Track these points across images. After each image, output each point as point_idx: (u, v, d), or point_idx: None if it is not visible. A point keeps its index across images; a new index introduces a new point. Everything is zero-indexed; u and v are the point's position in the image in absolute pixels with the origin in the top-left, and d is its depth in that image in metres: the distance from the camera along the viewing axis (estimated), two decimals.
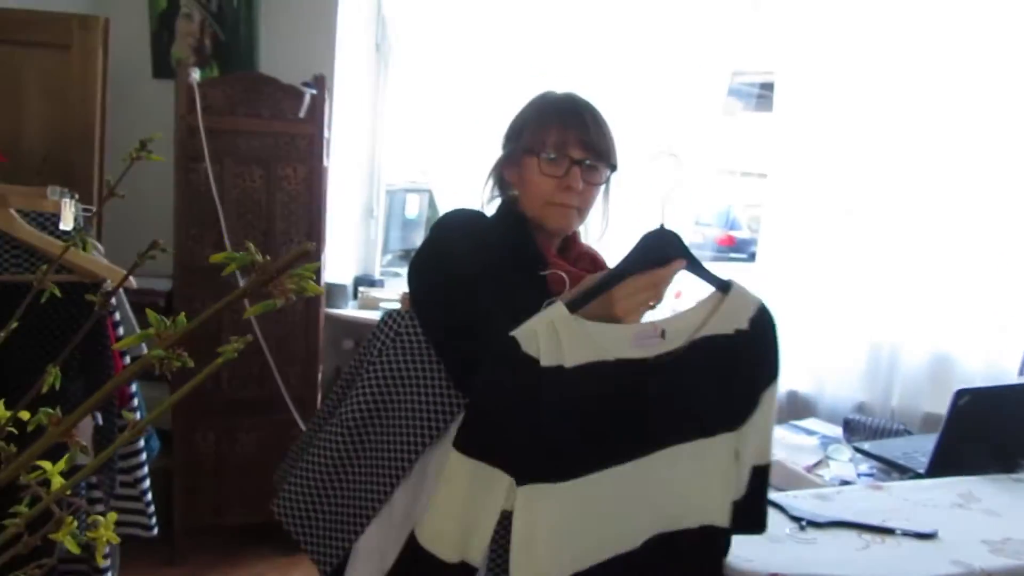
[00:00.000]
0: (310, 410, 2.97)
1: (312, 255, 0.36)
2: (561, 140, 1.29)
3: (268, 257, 0.35)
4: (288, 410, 2.89)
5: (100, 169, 2.45)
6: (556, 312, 0.99)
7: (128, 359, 1.66)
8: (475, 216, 1.38)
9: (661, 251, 1.09)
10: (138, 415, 1.75)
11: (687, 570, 1.16)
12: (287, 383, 2.90)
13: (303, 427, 2.93)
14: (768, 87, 3.13)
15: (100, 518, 0.67)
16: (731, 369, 1.10)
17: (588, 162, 1.29)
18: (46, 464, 0.66)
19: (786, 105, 2.83)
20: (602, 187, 1.36)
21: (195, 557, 2.91)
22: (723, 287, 1.12)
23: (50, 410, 0.46)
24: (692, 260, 1.13)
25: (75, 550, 0.64)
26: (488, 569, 1.17)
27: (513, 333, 0.97)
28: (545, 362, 0.97)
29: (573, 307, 1.00)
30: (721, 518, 1.14)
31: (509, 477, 0.98)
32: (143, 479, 1.73)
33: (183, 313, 0.39)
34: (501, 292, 1.16)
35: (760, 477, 1.18)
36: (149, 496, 1.76)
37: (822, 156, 2.76)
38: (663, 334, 1.05)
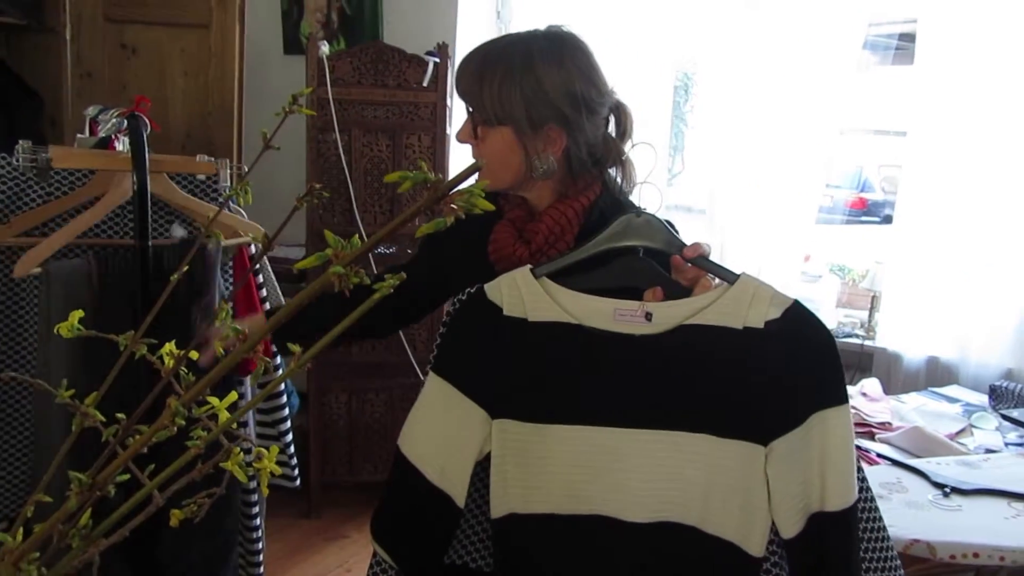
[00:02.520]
0: None
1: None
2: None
3: (439, 175, 0.37)
4: (415, 374, 2.99)
5: (239, 143, 2.59)
6: (520, 272, 1.05)
7: (268, 305, 1.76)
8: None
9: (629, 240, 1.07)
10: (283, 385, 1.85)
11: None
12: (413, 347, 2.99)
13: None
14: (907, 37, 2.96)
15: (264, 451, 0.72)
16: (742, 368, 0.99)
17: (471, 113, 1.23)
18: (214, 400, 0.71)
19: (929, 56, 2.67)
20: (496, 138, 1.21)
21: (330, 511, 3.06)
22: (730, 279, 1.03)
23: (237, 327, 0.49)
24: (681, 247, 1.07)
25: (243, 479, 0.70)
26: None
27: (483, 285, 1.05)
28: (508, 312, 1.03)
29: (539, 272, 1.05)
30: (745, 540, 0.99)
31: (482, 411, 1.03)
32: (287, 432, 1.84)
33: (356, 235, 0.41)
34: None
35: (826, 528, 0.98)
36: (292, 449, 1.86)
37: (966, 110, 2.59)
38: (648, 316, 1.02)
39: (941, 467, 1.64)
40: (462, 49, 3.23)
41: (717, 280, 1.05)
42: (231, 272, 1.71)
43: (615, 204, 1.23)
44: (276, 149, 0.67)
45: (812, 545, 0.99)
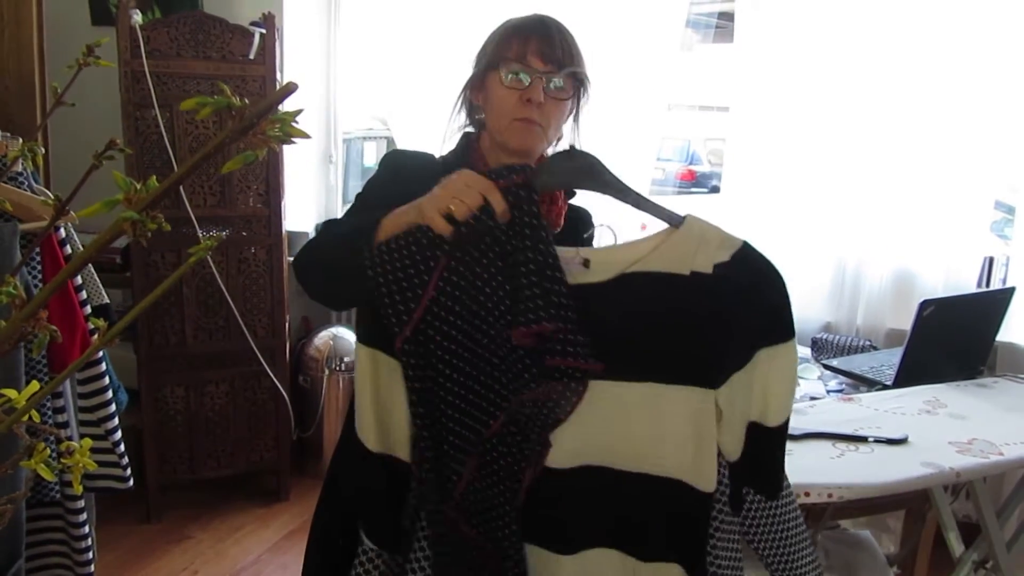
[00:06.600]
0: (279, 360, 2.94)
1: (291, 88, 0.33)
2: (522, 52, 1.26)
3: (245, 100, 0.32)
4: (257, 361, 2.86)
5: (44, 122, 2.35)
6: None
7: (88, 308, 1.62)
8: (412, 155, 1.37)
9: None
10: (107, 379, 1.71)
11: (642, 517, 1.02)
12: (254, 334, 2.86)
13: (273, 377, 2.90)
14: (726, 16, 3.10)
15: (74, 444, 0.64)
16: (691, 315, 0.95)
17: (549, 75, 1.25)
18: (10, 392, 0.63)
19: (747, 34, 2.80)
20: (569, 104, 1.31)
21: (172, 513, 2.89)
22: (675, 221, 0.98)
23: (12, 290, 0.43)
24: (624, 190, 1.02)
25: (49, 477, 0.62)
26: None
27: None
28: None
29: None
30: (695, 478, 0.99)
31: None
32: (114, 431, 1.70)
33: (154, 176, 0.36)
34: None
35: (761, 437, 1.00)
36: (122, 447, 1.73)
37: (783, 86, 2.75)
38: (586, 263, 0.97)
39: None
40: (290, 20, 3.09)
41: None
42: (39, 261, 1.55)
43: None
44: (71, 105, 0.60)
45: (748, 456, 1.01)
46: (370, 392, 1.02)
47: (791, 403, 1.02)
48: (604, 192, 1.01)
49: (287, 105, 0.44)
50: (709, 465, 0.99)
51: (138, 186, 0.34)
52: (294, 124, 0.33)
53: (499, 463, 0.99)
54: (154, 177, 0.35)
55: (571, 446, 0.99)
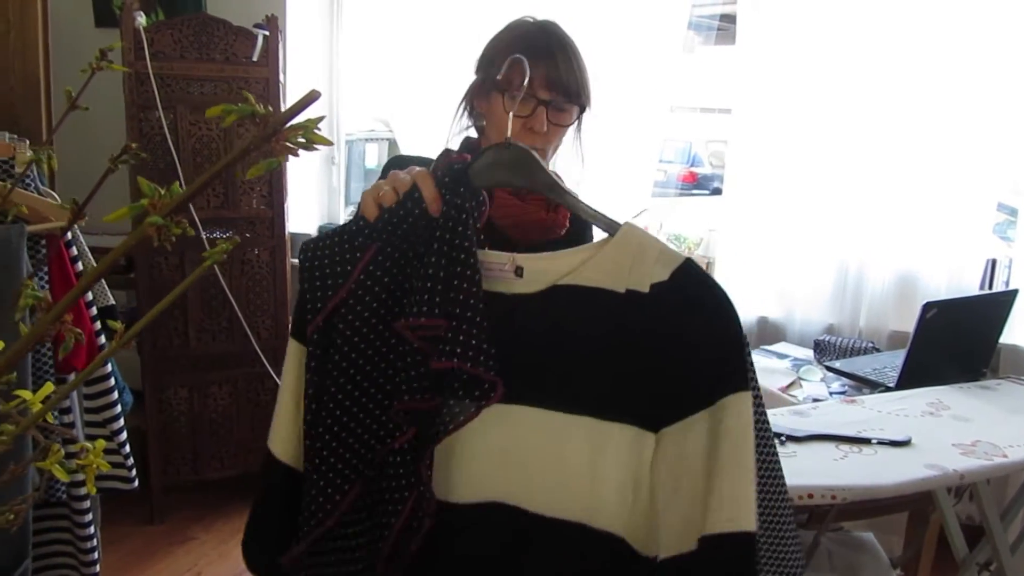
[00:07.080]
0: (282, 361, 2.94)
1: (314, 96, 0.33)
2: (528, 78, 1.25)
3: (270, 108, 0.33)
4: (260, 362, 2.86)
5: (48, 122, 2.36)
6: None
7: (95, 310, 1.62)
8: (413, 160, 1.37)
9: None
10: (112, 381, 1.71)
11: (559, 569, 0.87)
12: (257, 335, 2.86)
13: (276, 379, 2.90)
14: (728, 18, 3.10)
15: (88, 445, 0.65)
16: (625, 340, 0.83)
17: (555, 103, 1.25)
18: (25, 393, 0.63)
19: (749, 36, 2.81)
20: (571, 127, 1.31)
21: (175, 514, 2.89)
22: (611, 229, 0.87)
23: (37, 292, 0.43)
24: (554, 188, 0.92)
25: (64, 477, 0.63)
26: None
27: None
28: None
29: None
30: (636, 537, 0.83)
31: None
32: (119, 431, 1.70)
33: (176, 182, 0.36)
34: None
35: (722, 552, 0.76)
36: (127, 448, 1.73)
37: (785, 88, 2.75)
38: (519, 272, 0.87)
39: (776, 417, 1.74)
40: (292, 22, 3.10)
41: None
42: (46, 271, 1.55)
43: None
44: (84, 109, 0.60)
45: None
46: (290, 389, 0.95)
47: (747, 500, 0.76)
48: (536, 190, 0.93)
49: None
50: (652, 522, 0.82)
51: (161, 192, 0.34)
52: (316, 131, 0.33)
53: (386, 495, 0.89)
54: (177, 183, 0.36)
55: (466, 476, 0.88)
